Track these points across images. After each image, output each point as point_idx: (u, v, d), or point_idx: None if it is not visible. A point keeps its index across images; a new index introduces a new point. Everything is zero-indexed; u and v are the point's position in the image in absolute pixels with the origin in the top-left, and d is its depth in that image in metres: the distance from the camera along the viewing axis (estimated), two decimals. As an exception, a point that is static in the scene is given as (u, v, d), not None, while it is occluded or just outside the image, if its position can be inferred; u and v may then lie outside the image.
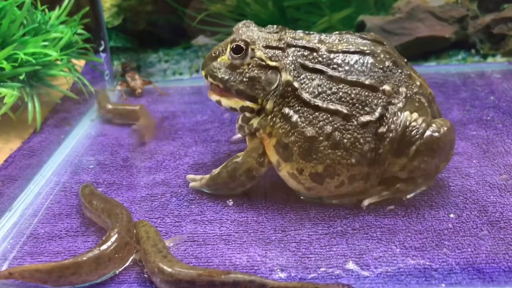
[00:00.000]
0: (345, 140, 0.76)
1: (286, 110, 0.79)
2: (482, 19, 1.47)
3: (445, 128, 0.79)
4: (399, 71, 0.81)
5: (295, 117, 0.78)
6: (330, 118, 0.77)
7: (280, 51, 0.81)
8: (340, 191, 0.80)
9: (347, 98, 0.77)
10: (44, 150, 1.07)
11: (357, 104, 0.77)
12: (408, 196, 0.83)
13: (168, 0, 1.56)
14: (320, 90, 0.78)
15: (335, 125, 0.76)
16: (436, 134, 0.78)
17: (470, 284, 0.66)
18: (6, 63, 1.05)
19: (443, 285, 0.66)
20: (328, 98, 0.78)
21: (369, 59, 0.80)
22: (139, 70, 1.52)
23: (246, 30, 0.85)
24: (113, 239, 0.71)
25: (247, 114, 0.84)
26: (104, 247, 0.70)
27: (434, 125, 0.79)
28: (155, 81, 1.43)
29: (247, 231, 0.78)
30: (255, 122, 0.83)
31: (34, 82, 1.14)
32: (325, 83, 0.79)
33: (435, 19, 1.47)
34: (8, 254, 0.77)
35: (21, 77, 1.08)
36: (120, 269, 0.72)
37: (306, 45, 0.81)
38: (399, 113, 0.78)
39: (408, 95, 0.80)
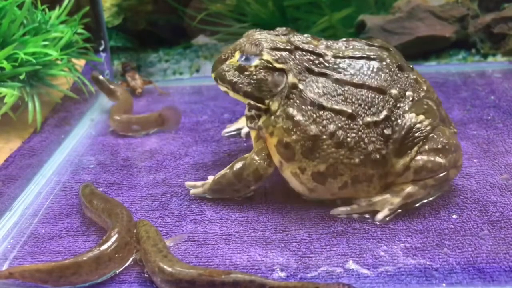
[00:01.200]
0: (349, 139, 0.76)
1: (290, 110, 0.79)
2: (483, 19, 1.47)
3: (448, 132, 0.80)
4: (405, 75, 0.82)
5: (298, 116, 0.78)
6: (335, 118, 0.77)
7: (287, 52, 0.82)
8: (343, 193, 0.80)
9: (353, 99, 0.78)
10: (44, 150, 1.07)
11: (362, 105, 0.78)
12: (420, 202, 0.82)
13: (168, 0, 1.56)
14: (325, 91, 0.79)
15: (339, 124, 0.77)
16: (440, 134, 0.79)
17: (470, 283, 0.66)
18: (6, 63, 1.05)
19: (444, 284, 0.66)
20: (333, 98, 0.78)
21: (376, 64, 0.81)
22: (139, 70, 1.52)
23: (255, 34, 0.86)
24: (113, 239, 0.71)
25: (255, 112, 0.85)
26: (104, 247, 0.70)
27: (440, 127, 0.80)
28: (155, 81, 1.43)
29: (247, 231, 0.78)
30: (261, 120, 0.83)
31: (34, 82, 1.14)
32: (331, 85, 0.79)
33: (436, 19, 1.47)
34: (8, 254, 0.77)
35: (21, 77, 1.08)
36: (120, 269, 0.72)
37: (313, 50, 0.82)
38: (404, 115, 0.78)
39: (415, 98, 0.80)
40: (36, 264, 0.70)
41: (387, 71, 0.80)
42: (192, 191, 0.88)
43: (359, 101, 0.78)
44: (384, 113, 0.78)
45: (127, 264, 0.72)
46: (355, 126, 0.77)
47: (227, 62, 0.86)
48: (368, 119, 0.77)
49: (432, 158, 0.78)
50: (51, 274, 0.68)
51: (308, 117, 0.78)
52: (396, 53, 0.85)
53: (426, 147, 0.78)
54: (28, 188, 0.95)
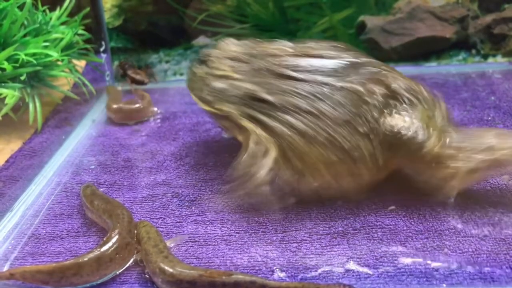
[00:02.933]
0: (319, 137, 0.77)
1: (251, 112, 0.81)
2: (483, 19, 1.47)
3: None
4: (369, 70, 0.81)
5: (261, 117, 0.80)
6: (300, 116, 0.78)
7: (243, 63, 0.86)
8: (330, 184, 0.79)
9: (315, 99, 0.78)
10: (45, 151, 1.07)
11: (326, 103, 0.78)
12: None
13: (169, 1, 1.56)
14: (284, 91, 0.80)
15: (307, 123, 0.77)
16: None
17: (471, 284, 0.66)
18: (7, 64, 1.05)
19: (444, 285, 0.66)
20: (294, 98, 0.79)
21: (335, 62, 0.82)
22: (140, 68, 1.54)
23: (222, 45, 0.93)
24: (114, 239, 0.72)
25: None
26: (105, 247, 0.70)
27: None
28: (155, 82, 1.45)
29: (248, 232, 0.78)
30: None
31: (35, 83, 1.14)
32: (290, 86, 0.80)
33: (436, 19, 1.47)
34: (9, 255, 0.77)
35: (22, 78, 1.09)
36: (121, 270, 0.72)
37: (272, 53, 0.85)
38: (375, 113, 0.78)
39: (384, 94, 0.80)
40: (37, 265, 0.71)
41: (349, 68, 0.81)
42: None
43: (323, 99, 0.78)
44: (353, 110, 0.77)
45: (128, 265, 0.72)
46: (322, 124, 0.77)
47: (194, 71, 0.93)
48: (340, 117, 0.77)
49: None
50: (52, 275, 0.68)
51: (273, 118, 0.79)
52: (357, 51, 0.86)
53: None
54: (29, 189, 0.95)
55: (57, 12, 1.27)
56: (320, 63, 0.82)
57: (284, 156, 0.78)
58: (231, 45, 0.92)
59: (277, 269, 0.70)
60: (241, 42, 0.93)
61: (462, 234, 0.74)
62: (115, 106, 1.22)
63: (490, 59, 1.45)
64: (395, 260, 0.70)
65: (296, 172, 0.78)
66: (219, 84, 0.86)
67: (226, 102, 0.84)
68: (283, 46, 0.87)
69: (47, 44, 1.15)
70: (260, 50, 0.88)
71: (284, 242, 0.75)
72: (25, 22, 1.16)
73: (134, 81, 1.41)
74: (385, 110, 0.79)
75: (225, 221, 0.81)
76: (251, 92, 0.82)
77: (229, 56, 0.89)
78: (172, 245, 0.76)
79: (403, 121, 0.78)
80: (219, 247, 0.75)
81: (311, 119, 0.78)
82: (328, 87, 0.79)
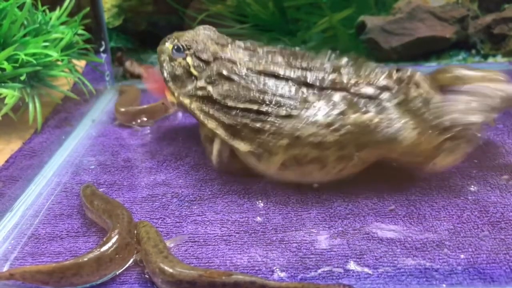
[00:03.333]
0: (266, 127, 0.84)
1: (194, 105, 0.93)
2: (483, 19, 1.47)
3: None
4: (327, 72, 0.87)
5: (211, 111, 0.90)
6: (241, 114, 0.86)
7: (204, 63, 0.95)
8: (289, 173, 0.85)
9: (262, 95, 0.86)
10: (45, 151, 1.07)
11: (274, 101, 0.85)
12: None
13: (169, 1, 1.56)
14: (229, 93, 0.88)
15: (245, 121, 0.85)
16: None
17: (471, 284, 0.66)
18: (7, 64, 1.06)
19: (444, 285, 0.66)
20: (238, 98, 0.87)
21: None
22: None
23: (198, 34, 1.00)
24: (114, 239, 0.72)
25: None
26: (105, 248, 0.70)
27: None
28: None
29: (248, 232, 0.78)
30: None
31: (35, 83, 1.14)
32: (236, 88, 0.88)
33: (436, 19, 1.47)
34: (9, 255, 0.77)
35: (22, 78, 1.09)
36: (121, 270, 0.72)
37: (231, 57, 0.93)
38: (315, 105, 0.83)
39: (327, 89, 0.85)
40: (37, 265, 0.71)
41: (304, 66, 0.88)
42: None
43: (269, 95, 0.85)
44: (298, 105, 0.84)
45: (127, 265, 0.72)
46: (267, 119, 0.84)
47: (167, 45, 1.00)
48: (281, 112, 0.84)
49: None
50: (52, 275, 0.68)
51: (221, 113, 0.89)
52: (307, 53, 0.93)
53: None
54: (29, 189, 0.95)
55: (57, 12, 1.27)
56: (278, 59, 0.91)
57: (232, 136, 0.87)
58: (201, 34, 1.00)
59: (277, 269, 0.70)
60: (216, 34, 1.01)
61: (462, 234, 0.74)
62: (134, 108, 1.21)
63: (490, 59, 1.45)
64: (395, 260, 0.70)
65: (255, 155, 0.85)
66: (182, 75, 0.97)
67: (187, 95, 0.95)
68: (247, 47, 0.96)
69: (47, 44, 1.15)
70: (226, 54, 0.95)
71: (284, 242, 0.75)
72: (25, 22, 1.17)
73: (133, 75, 1.41)
74: (354, 107, 0.82)
75: (225, 221, 0.81)
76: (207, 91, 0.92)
77: (197, 50, 0.97)
78: (172, 245, 0.76)
79: (374, 116, 0.80)
80: (219, 247, 0.75)
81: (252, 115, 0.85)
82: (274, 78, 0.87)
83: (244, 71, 0.90)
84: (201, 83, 0.93)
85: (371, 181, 0.87)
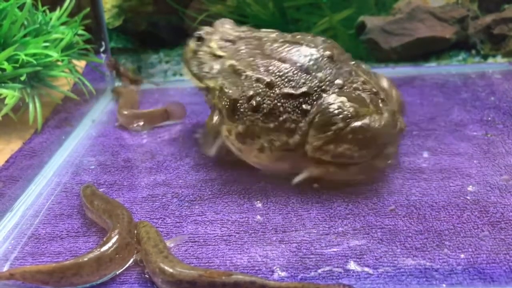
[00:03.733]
0: (264, 105, 0.84)
1: (220, 81, 0.92)
2: (483, 20, 1.47)
3: (377, 124, 0.82)
4: (337, 66, 0.88)
5: (225, 84, 0.90)
6: (254, 84, 0.86)
7: (230, 43, 0.96)
8: (265, 158, 0.87)
9: (275, 71, 0.86)
10: (45, 151, 1.07)
11: (283, 77, 0.85)
12: (342, 179, 0.87)
13: (169, 1, 1.57)
14: (252, 63, 0.89)
15: (257, 91, 0.85)
16: (364, 125, 0.81)
17: (471, 284, 0.66)
18: (7, 64, 1.06)
19: (444, 285, 0.66)
20: (257, 69, 0.88)
21: (307, 49, 0.89)
22: (139, 71, 1.53)
23: (217, 25, 1.02)
24: (114, 239, 0.72)
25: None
26: (105, 247, 0.70)
27: (368, 117, 0.82)
28: (155, 82, 1.45)
29: (248, 232, 0.78)
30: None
31: (35, 83, 1.14)
32: (260, 60, 0.89)
33: (436, 20, 1.47)
34: (9, 255, 0.77)
35: (22, 78, 1.09)
36: (121, 270, 0.72)
37: (253, 35, 0.96)
38: (327, 97, 0.83)
39: (344, 87, 0.85)
40: (37, 265, 0.71)
41: (317, 57, 0.88)
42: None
43: (280, 73, 0.86)
44: (303, 89, 0.84)
45: (127, 265, 0.72)
46: (271, 94, 0.85)
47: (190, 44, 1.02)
48: (285, 90, 0.84)
49: (352, 147, 0.82)
50: (52, 275, 0.68)
51: (230, 83, 0.89)
52: (335, 45, 0.93)
53: (349, 135, 0.81)
54: (29, 189, 0.95)
55: (57, 13, 1.27)
56: (292, 47, 0.90)
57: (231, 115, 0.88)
58: (225, 26, 1.02)
59: (277, 269, 0.70)
60: (234, 25, 1.03)
61: (462, 234, 0.74)
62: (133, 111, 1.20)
63: (490, 60, 1.46)
64: (395, 260, 0.70)
65: (238, 138, 0.87)
66: (208, 61, 0.97)
67: (212, 78, 0.95)
68: (269, 33, 0.97)
69: (47, 44, 1.15)
70: (248, 34, 0.98)
71: (284, 242, 0.75)
72: (25, 23, 1.16)
73: (128, 79, 1.41)
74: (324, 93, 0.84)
75: (225, 221, 0.81)
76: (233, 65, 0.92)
77: (220, 36, 0.99)
78: (172, 245, 0.76)
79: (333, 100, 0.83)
80: (219, 247, 0.75)
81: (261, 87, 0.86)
82: (289, 64, 0.87)
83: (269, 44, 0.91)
84: (228, 61, 0.93)
85: (371, 181, 0.87)
